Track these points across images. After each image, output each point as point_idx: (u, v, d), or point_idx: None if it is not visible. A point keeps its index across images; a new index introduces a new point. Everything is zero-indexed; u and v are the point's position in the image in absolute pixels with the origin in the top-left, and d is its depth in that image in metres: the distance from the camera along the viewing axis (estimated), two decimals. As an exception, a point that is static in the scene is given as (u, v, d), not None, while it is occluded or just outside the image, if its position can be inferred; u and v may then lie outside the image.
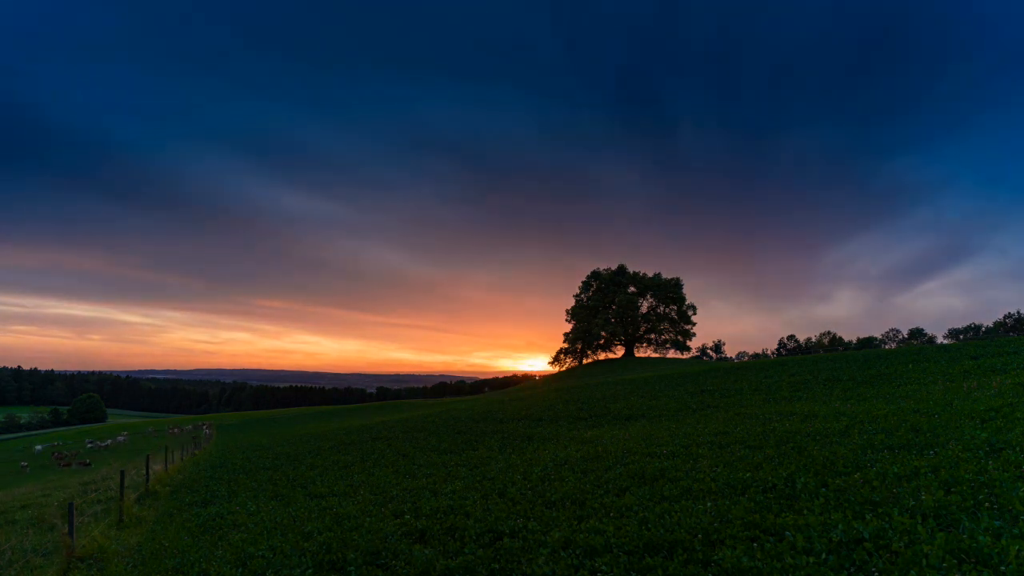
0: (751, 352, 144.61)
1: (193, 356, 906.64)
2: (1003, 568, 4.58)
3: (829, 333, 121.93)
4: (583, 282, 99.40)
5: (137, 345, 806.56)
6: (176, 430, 58.26)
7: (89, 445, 49.51)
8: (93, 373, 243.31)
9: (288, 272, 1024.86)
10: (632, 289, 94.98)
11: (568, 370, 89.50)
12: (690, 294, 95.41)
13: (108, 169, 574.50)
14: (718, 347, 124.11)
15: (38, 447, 51.88)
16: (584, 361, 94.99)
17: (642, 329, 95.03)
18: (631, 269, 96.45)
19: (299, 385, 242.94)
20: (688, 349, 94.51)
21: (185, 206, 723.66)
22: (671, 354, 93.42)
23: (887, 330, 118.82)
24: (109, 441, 50.20)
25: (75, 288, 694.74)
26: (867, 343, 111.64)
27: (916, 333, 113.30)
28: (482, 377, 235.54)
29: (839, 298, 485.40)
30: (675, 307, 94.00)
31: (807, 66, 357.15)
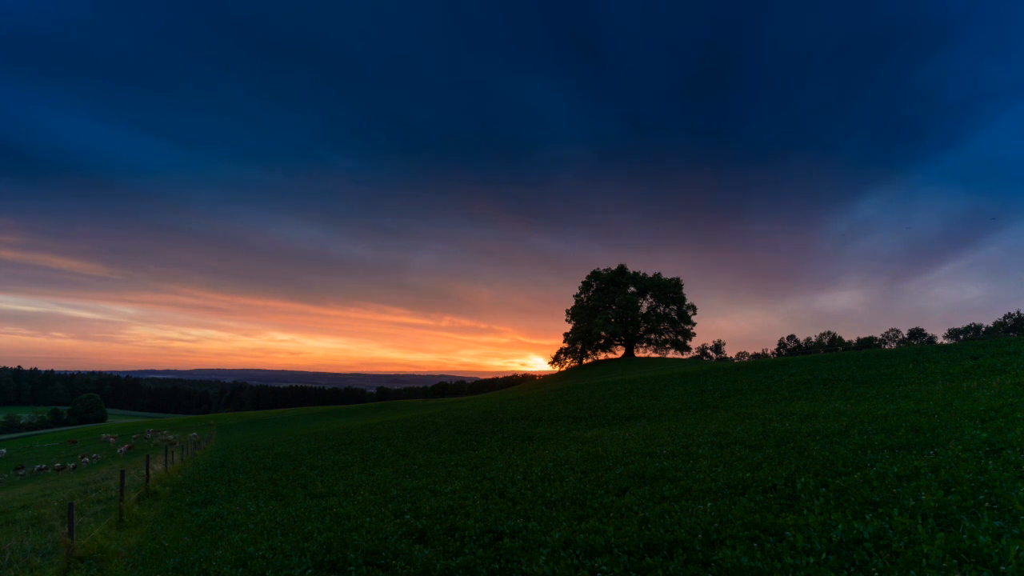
0: (751, 352, 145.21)
1: (174, 355, 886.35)
2: (1003, 568, 4.58)
3: (829, 333, 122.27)
4: (583, 282, 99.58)
5: (106, 343, 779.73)
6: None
7: (158, 436, 50.54)
8: (93, 373, 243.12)
9: (195, 250, 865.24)
10: (632, 289, 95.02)
11: (568, 370, 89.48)
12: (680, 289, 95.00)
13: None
14: (718, 347, 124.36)
15: (2, 451, 52.06)
16: (584, 361, 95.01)
17: (642, 329, 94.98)
18: (631, 269, 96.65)
19: (299, 385, 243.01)
20: (688, 349, 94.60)
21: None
22: (671, 354, 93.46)
23: (887, 330, 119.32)
24: (177, 434, 51.24)
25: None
26: (867, 343, 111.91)
27: (916, 333, 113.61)
28: (482, 377, 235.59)
29: (845, 285, 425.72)
30: (675, 307, 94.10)
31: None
